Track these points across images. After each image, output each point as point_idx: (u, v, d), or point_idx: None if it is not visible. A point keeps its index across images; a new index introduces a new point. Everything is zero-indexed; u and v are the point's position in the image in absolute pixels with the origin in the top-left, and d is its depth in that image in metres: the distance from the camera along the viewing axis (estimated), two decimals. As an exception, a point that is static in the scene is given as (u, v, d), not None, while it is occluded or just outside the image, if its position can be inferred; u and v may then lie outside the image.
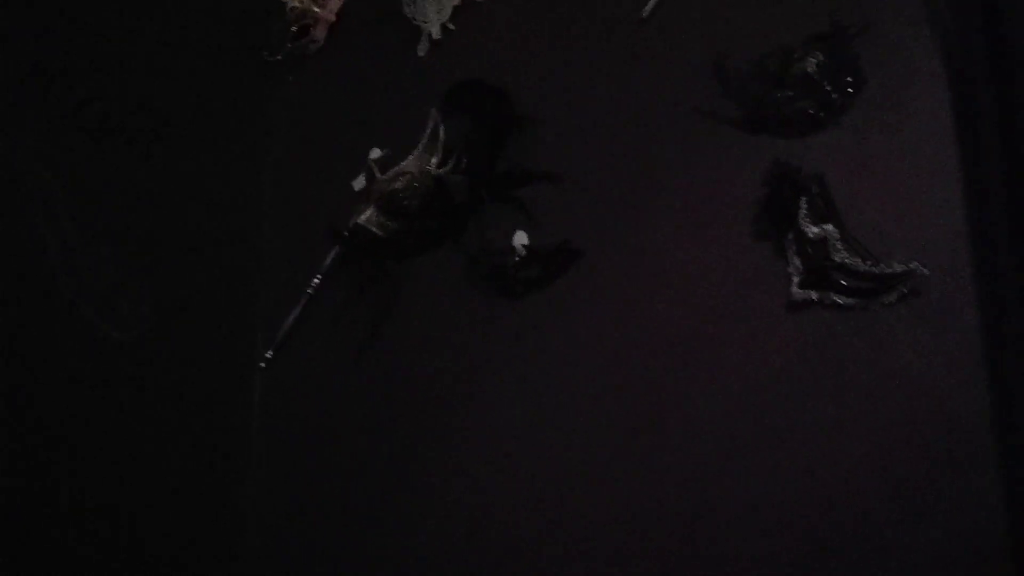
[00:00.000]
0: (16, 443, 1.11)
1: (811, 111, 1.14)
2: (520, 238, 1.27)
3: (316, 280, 1.37)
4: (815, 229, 1.08)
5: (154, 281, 1.27)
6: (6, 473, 1.08)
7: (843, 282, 1.07)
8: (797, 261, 1.10)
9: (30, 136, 1.15)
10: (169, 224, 1.31)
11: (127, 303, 1.23)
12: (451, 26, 1.40)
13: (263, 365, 1.40)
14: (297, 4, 1.47)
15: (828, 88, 1.13)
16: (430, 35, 1.40)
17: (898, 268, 1.05)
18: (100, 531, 1.18)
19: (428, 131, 1.32)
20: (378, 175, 1.33)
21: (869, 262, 1.06)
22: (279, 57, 1.48)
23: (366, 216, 1.33)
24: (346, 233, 1.34)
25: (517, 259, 1.26)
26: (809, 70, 1.14)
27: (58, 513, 1.14)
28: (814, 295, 1.09)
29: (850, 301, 1.08)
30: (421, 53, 1.41)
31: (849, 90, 1.13)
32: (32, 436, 1.13)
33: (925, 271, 1.04)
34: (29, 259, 1.13)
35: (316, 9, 1.48)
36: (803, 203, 1.09)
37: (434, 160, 1.32)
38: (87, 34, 1.25)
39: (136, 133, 1.27)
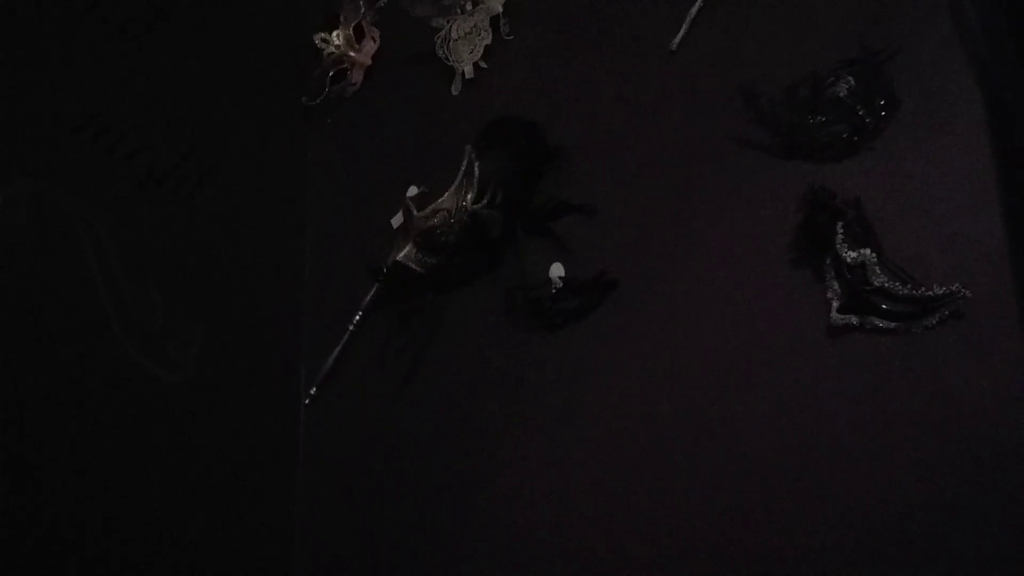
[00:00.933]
0: (68, 481, 1.14)
1: (845, 135, 1.14)
2: (556, 270, 1.28)
3: (357, 317, 1.40)
4: (853, 254, 1.07)
5: (201, 322, 1.30)
6: (61, 509, 1.11)
7: (884, 306, 1.06)
8: (836, 286, 1.09)
9: (82, 183, 1.19)
10: (214, 266, 1.35)
11: (175, 345, 1.27)
12: (483, 64, 1.43)
13: (307, 401, 1.42)
14: (334, 49, 1.51)
15: (861, 112, 1.13)
16: (463, 74, 1.43)
17: (939, 291, 1.04)
18: (149, 566, 1.20)
19: (463, 168, 1.34)
20: (415, 212, 1.35)
21: (909, 285, 1.05)
22: (318, 101, 1.52)
23: (404, 253, 1.35)
24: (385, 270, 1.36)
25: (554, 291, 1.27)
26: (841, 95, 1.14)
27: (108, 549, 1.16)
28: (855, 319, 1.08)
29: (891, 325, 1.06)
30: (455, 92, 1.44)
31: (883, 113, 1.13)
32: (83, 476, 1.16)
33: (967, 293, 1.03)
34: (82, 303, 1.17)
35: (352, 54, 1.52)
36: (840, 228, 1.09)
37: (470, 196, 1.34)
38: (136, 86, 1.30)
39: (182, 179, 1.31)
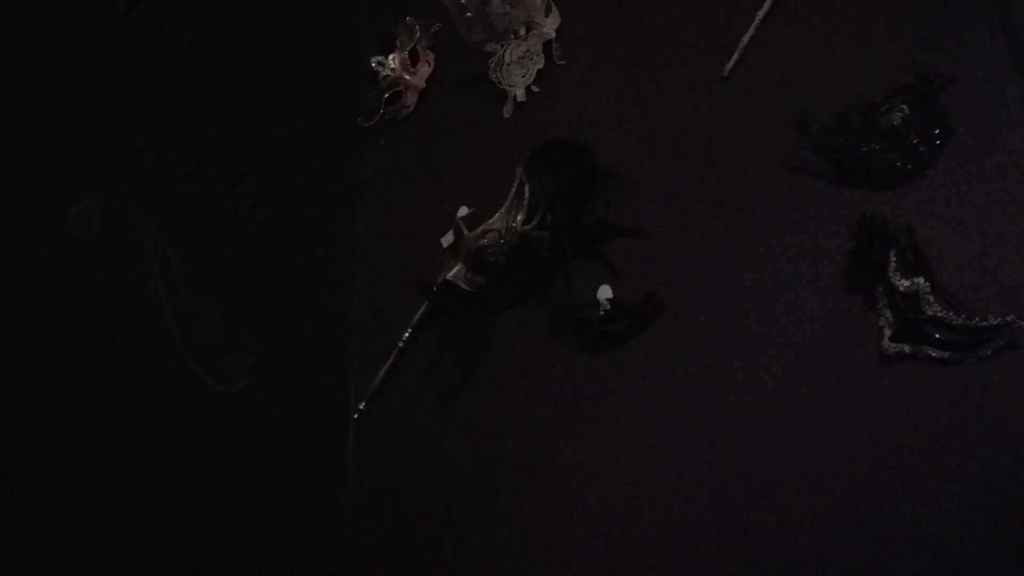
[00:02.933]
0: (122, 488, 1.17)
1: (899, 163, 1.14)
2: (604, 292, 1.29)
3: (407, 334, 1.42)
4: (906, 282, 1.07)
5: (256, 336, 1.33)
6: (112, 515, 1.14)
7: (937, 335, 1.05)
8: (888, 314, 1.09)
9: (147, 199, 1.23)
10: (270, 282, 1.38)
11: (231, 358, 1.30)
12: (535, 88, 1.45)
13: (356, 416, 1.44)
14: (389, 72, 1.55)
15: (915, 140, 1.13)
16: (515, 97, 1.46)
17: (993, 321, 1.03)
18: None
19: (514, 189, 1.36)
20: (466, 232, 1.37)
21: (964, 315, 1.05)
22: (372, 122, 1.55)
23: (454, 272, 1.37)
24: (435, 288, 1.38)
25: (602, 313, 1.27)
26: (895, 123, 1.14)
27: (160, 556, 1.19)
28: (907, 348, 1.07)
29: (944, 355, 1.06)
30: (507, 115, 1.46)
31: (937, 142, 1.13)
32: (137, 483, 1.19)
33: (1022, 324, 1.02)
34: (145, 313, 1.21)
35: (407, 76, 1.55)
36: (892, 256, 1.08)
37: (520, 217, 1.35)
38: (199, 106, 1.35)
39: (242, 197, 1.35)
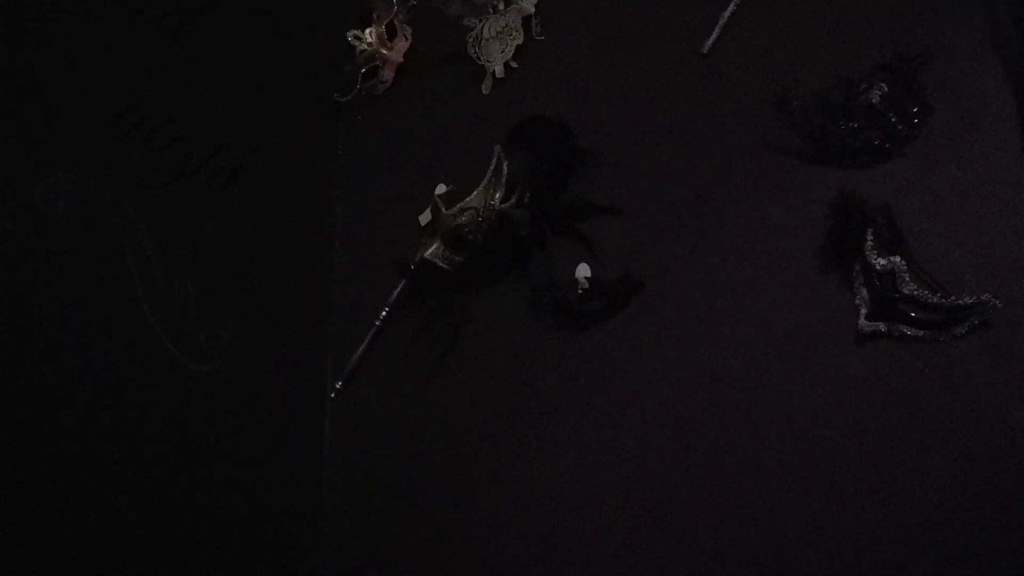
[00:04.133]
0: (95, 467, 1.16)
1: (877, 142, 1.13)
2: (583, 271, 1.28)
3: (384, 312, 1.41)
4: (882, 261, 1.07)
5: (231, 314, 1.32)
6: (85, 495, 1.13)
7: (912, 314, 1.06)
8: (864, 292, 1.09)
9: (119, 174, 1.21)
10: (245, 260, 1.37)
11: (206, 337, 1.28)
12: (514, 64, 1.43)
13: (333, 396, 1.44)
14: (366, 47, 1.52)
15: (894, 119, 1.13)
16: (494, 73, 1.44)
17: (969, 300, 1.03)
18: (173, 555, 1.22)
19: (492, 167, 1.35)
20: (443, 210, 1.36)
21: (939, 294, 1.05)
22: (349, 98, 1.53)
23: (432, 250, 1.36)
24: (413, 267, 1.37)
25: (580, 291, 1.27)
26: (874, 101, 1.14)
27: (132, 536, 1.18)
28: (883, 327, 1.07)
29: (920, 333, 1.06)
30: (485, 91, 1.45)
31: (915, 120, 1.13)
32: (109, 463, 1.18)
33: (997, 303, 1.02)
34: (117, 291, 1.19)
35: (384, 51, 1.53)
36: (869, 235, 1.08)
37: (498, 195, 1.34)
38: (172, 79, 1.32)
39: (216, 172, 1.33)
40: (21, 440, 1.09)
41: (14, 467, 1.07)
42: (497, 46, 1.44)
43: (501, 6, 1.44)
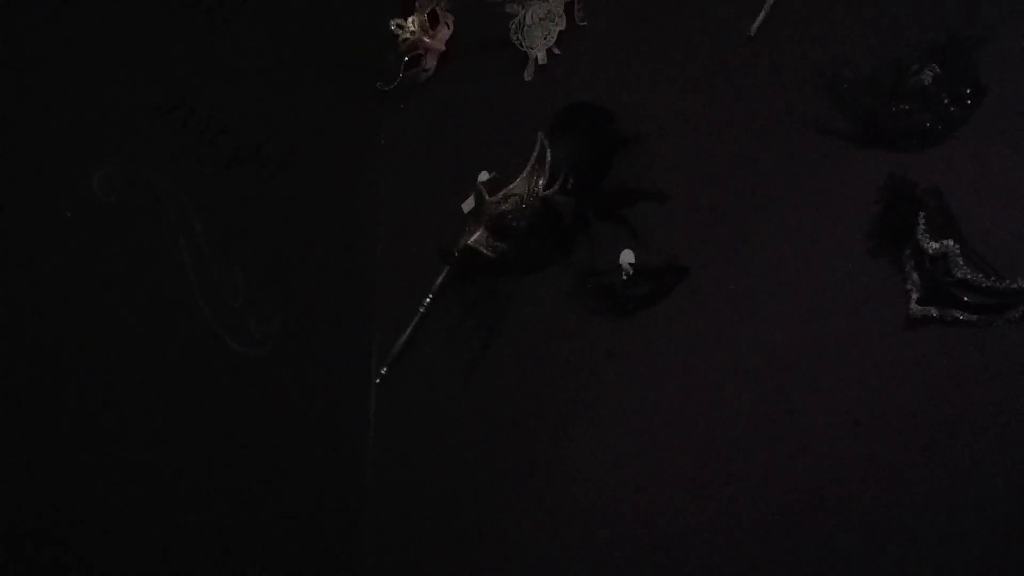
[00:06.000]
0: (148, 448, 1.18)
1: (928, 124, 1.12)
2: (627, 256, 1.28)
3: (428, 299, 1.42)
4: (935, 245, 1.05)
5: (279, 301, 1.34)
6: (134, 478, 1.16)
7: (965, 298, 1.04)
8: (916, 276, 1.08)
9: (171, 163, 1.23)
10: (292, 248, 1.39)
11: (255, 323, 1.31)
12: (556, 51, 1.43)
13: (378, 381, 1.45)
14: (408, 36, 1.53)
15: (946, 101, 1.11)
16: (536, 60, 1.44)
17: (1023, 283, 1.02)
18: (224, 532, 1.24)
19: (535, 153, 1.35)
20: (487, 197, 1.36)
21: (993, 278, 1.03)
22: (392, 86, 1.54)
23: (476, 237, 1.36)
24: (456, 254, 1.38)
25: (624, 277, 1.27)
26: (926, 83, 1.12)
27: (186, 514, 1.21)
28: (934, 311, 1.06)
29: (972, 317, 1.05)
30: (528, 78, 1.45)
31: (968, 102, 1.11)
32: (164, 443, 1.20)
33: (1053, 286, 1.01)
34: (169, 277, 1.22)
35: (427, 40, 1.53)
36: (921, 218, 1.07)
37: (541, 182, 1.34)
38: (221, 70, 1.34)
39: (264, 162, 1.35)
40: (74, 423, 1.12)
41: (67, 447, 1.10)
42: (540, 32, 1.44)
43: (543, -8, 1.44)
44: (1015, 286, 1.02)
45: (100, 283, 1.14)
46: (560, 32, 1.43)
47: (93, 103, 1.16)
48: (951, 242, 1.05)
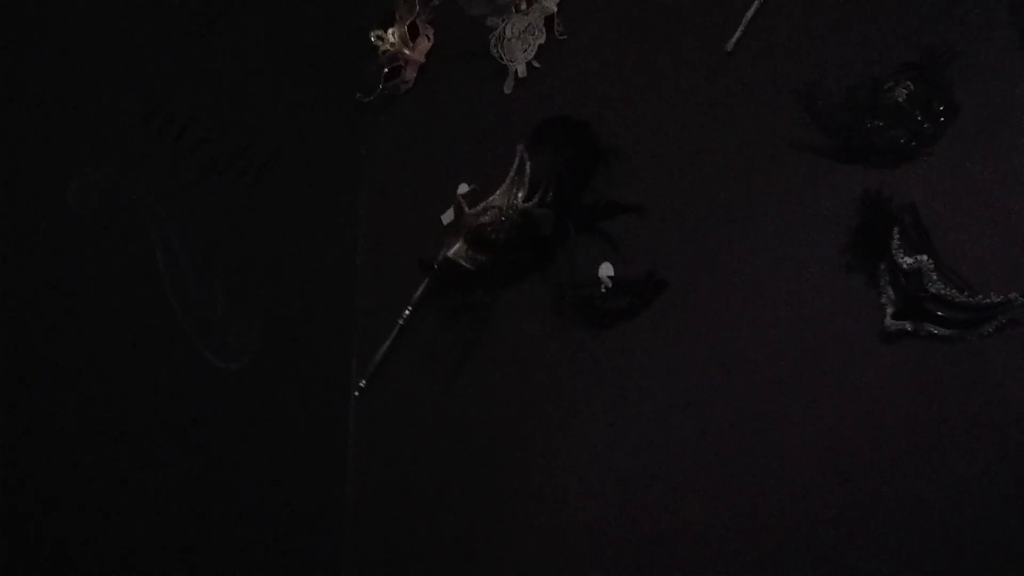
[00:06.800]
0: (123, 464, 1.17)
1: (902, 140, 1.13)
2: (606, 269, 1.28)
3: (407, 311, 1.42)
4: (909, 260, 1.07)
5: (257, 314, 1.33)
6: (111, 492, 1.15)
7: (939, 313, 1.06)
8: (891, 291, 1.09)
9: (149, 173, 1.23)
10: (271, 259, 1.38)
11: (233, 335, 1.30)
12: (536, 64, 1.44)
13: (357, 393, 1.44)
14: (388, 47, 1.53)
15: (920, 117, 1.12)
16: (516, 73, 1.44)
17: (996, 299, 1.03)
18: (200, 549, 1.23)
19: (515, 166, 1.35)
20: (466, 209, 1.36)
21: (966, 293, 1.05)
22: (372, 98, 1.54)
23: (455, 249, 1.36)
24: (436, 266, 1.38)
25: (604, 290, 1.27)
26: (900, 99, 1.13)
27: (162, 531, 1.20)
28: (909, 326, 1.07)
29: (947, 332, 1.06)
30: (507, 91, 1.45)
31: (941, 119, 1.12)
32: (140, 458, 1.19)
33: (1025, 301, 1.02)
34: (146, 290, 1.21)
35: (406, 51, 1.53)
36: (896, 233, 1.08)
37: (521, 194, 1.35)
38: (199, 79, 1.33)
39: (242, 172, 1.35)
40: (49, 438, 1.10)
41: (43, 464, 1.09)
42: (520, 46, 1.45)
43: (524, 6, 1.45)
44: (987, 301, 1.03)
45: (73, 294, 1.13)
46: (540, 46, 1.43)
47: (68, 111, 1.15)
48: (925, 257, 1.06)
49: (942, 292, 1.05)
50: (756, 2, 1.26)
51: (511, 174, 1.36)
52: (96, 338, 1.15)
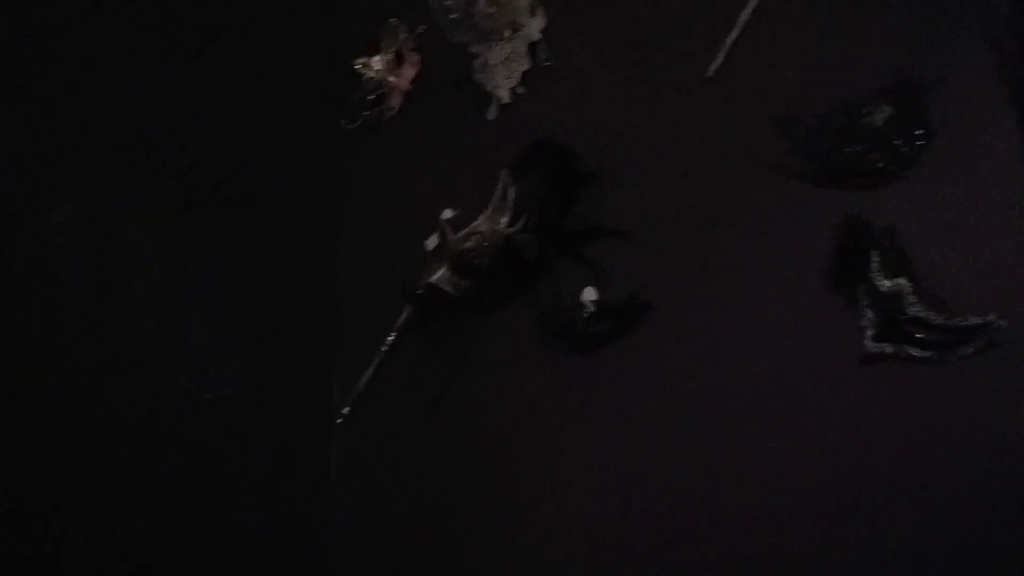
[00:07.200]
0: (104, 494, 1.16)
1: (881, 164, 1.14)
2: (589, 294, 1.29)
3: (391, 337, 1.41)
4: (887, 283, 1.07)
5: (239, 342, 1.33)
6: (94, 521, 1.13)
7: (918, 335, 1.06)
8: (870, 314, 1.09)
9: (128, 202, 1.23)
10: (253, 287, 1.38)
11: (215, 364, 1.29)
12: (520, 90, 1.45)
13: (340, 421, 1.44)
14: (374, 74, 1.54)
15: (897, 141, 1.13)
16: (500, 99, 1.45)
17: (975, 320, 1.03)
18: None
19: (498, 192, 1.36)
20: (450, 235, 1.36)
21: (944, 315, 1.05)
22: (357, 124, 1.55)
23: (439, 275, 1.36)
24: (419, 292, 1.38)
25: (587, 314, 1.27)
26: (878, 124, 1.14)
27: (144, 561, 1.18)
28: (889, 348, 1.07)
29: (926, 354, 1.06)
30: (491, 117, 1.46)
31: (919, 143, 1.13)
32: (121, 488, 1.18)
33: (1002, 323, 1.02)
34: (125, 320, 1.20)
35: (391, 78, 1.55)
36: (874, 256, 1.08)
37: (504, 220, 1.35)
38: (184, 107, 1.34)
39: (226, 201, 1.35)
40: (31, 466, 1.09)
41: (27, 493, 1.08)
42: (503, 72, 1.46)
43: (507, 33, 1.46)
44: (966, 323, 1.04)
45: (54, 327, 1.13)
46: (524, 72, 1.45)
47: (50, 141, 1.16)
48: (903, 280, 1.07)
49: (921, 314, 1.05)
50: (737, 28, 1.28)
51: (494, 200, 1.36)
52: (77, 373, 1.14)
